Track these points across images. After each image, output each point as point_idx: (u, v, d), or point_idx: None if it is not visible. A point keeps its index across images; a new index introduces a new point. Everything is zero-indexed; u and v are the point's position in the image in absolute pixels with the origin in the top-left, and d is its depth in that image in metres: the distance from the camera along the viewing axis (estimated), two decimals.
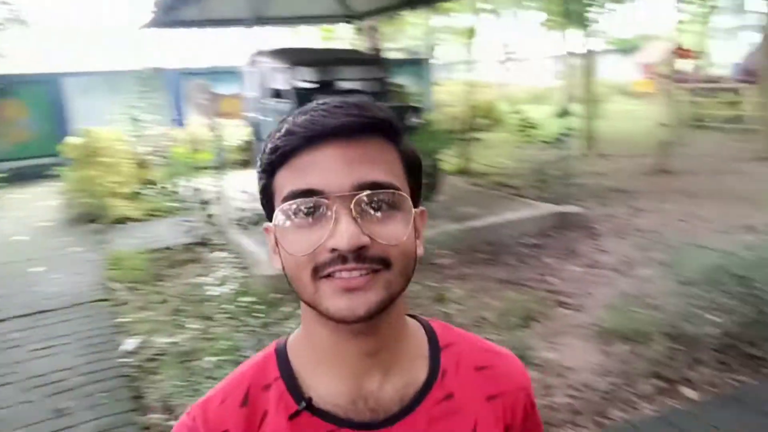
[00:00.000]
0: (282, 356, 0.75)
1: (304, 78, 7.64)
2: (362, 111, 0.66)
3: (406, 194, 0.68)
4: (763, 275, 3.79)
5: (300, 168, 0.66)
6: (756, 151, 10.39)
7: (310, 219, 0.65)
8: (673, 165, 9.55)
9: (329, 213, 0.63)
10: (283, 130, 0.67)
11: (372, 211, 0.64)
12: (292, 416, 0.71)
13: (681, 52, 16.01)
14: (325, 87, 7.63)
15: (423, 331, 0.80)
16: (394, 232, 0.65)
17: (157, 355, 3.78)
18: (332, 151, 0.65)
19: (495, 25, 23.90)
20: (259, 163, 0.71)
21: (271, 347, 0.77)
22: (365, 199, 0.64)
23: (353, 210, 0.63)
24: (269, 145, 0.68)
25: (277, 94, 7.66)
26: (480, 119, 14.43)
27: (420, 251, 0.70)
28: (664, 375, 3.40)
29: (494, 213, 6.32)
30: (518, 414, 0.81)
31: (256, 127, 8.36)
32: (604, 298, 4.60)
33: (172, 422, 2.68)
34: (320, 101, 0.69)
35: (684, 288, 3.98)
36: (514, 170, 8.55)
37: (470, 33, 20.07)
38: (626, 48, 26.20)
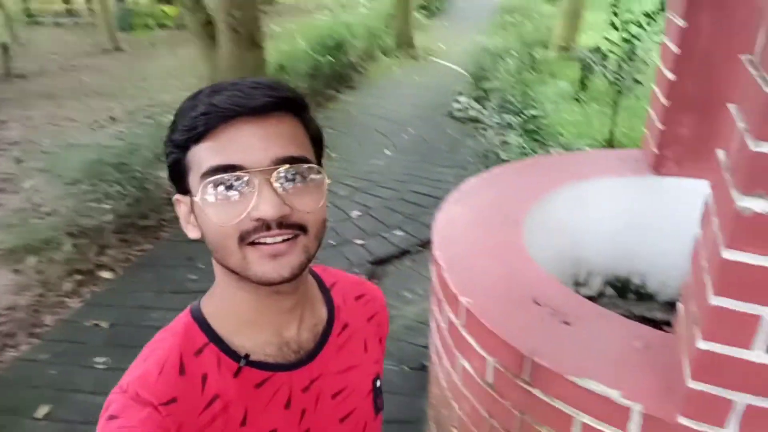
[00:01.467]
0: (203, 323, 0.78)
1: None
2: (275, 91, 0.71)
3: (317, 165, 0.74)
4: (137, 158, 4.39)
5: (219, 145, 0.69)
6: (100, 44, 10.92)
7: (234, 192, 0.68)
8: (23, 68, 9.16)
9: (252, 186, 0.68)
10: (199, 110, 0.69)
11: (290, 183, 0.70)
12: (237, 373, 0.77)
13: None
14: None
15: (310, 276, 0.90)
16: (310, 200, 0.71)
17: None
18: (250, 129, 0.69)
19: None
20: (169, 138, 0.73)
21: (185, 317, 0.80)
22: (284, 172, 0.69)
23: (274, 182, 0.68)
24: (183, 123, 0.70)
25: None
26: None
27: (326, 214, 0.77)
28: (80, 269, 3.68)
29: None
30: (384, 326, 1.03)
31: None
32: None
33: None
34: (231, 81, 0.72)
35: (72, 187, 4.21)
36: None
37: None
38: None
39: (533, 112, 4.07)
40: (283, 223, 0.69)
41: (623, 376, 1.39)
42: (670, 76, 2.41)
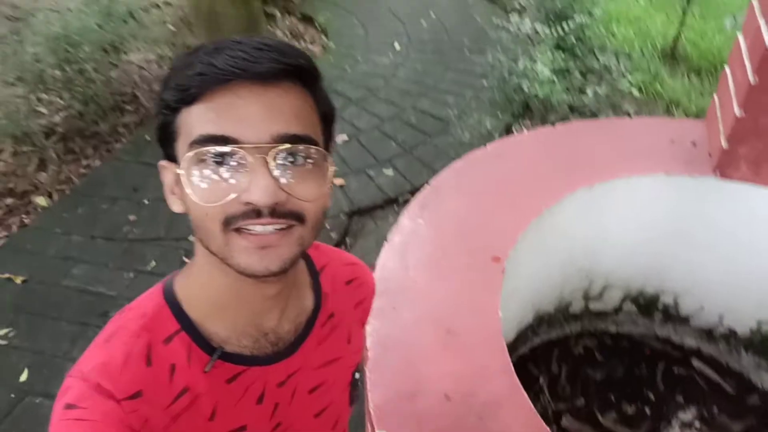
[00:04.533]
0: (175, 306, 0.70)
1: None
2: (285, 56, 0.61)
3: (323, 148, 0.64)
4: (97, 36, 3.65)
5: (213, 111, 0.59)
6: None
7: (223, 168, 0.59)
8: None
9: (245, 164, 0.59)
10: (194, 69, 0.59)
11: (289, 166, 0.60)
12: (208, 366, 0.69)
13: None
14: None
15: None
16: (311, 188, 0.62)
17: None
18: (250, 97, 0.59)
19: None
20: (160, 97, 0.64)
21: (156, 296, 0.71)
22: (284, 152, 0.60)
23: (270, 163, 0.59)
24: (177, 81, 0.61)
25: None
26: None
27: (329, 202, 0.67)
28: (15, 189, 3.17)
29: None
30: (368, 312, 0.93)
31: None
32: None
33: None
34: (234, 39, 0.63)
35: (27, 71, 3.55)
36: None
37: None
38: None
39: (576, 20, 3.14)
40: (276, 211, 0.59)
41: None
42: None
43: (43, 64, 3.51)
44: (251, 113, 0.59)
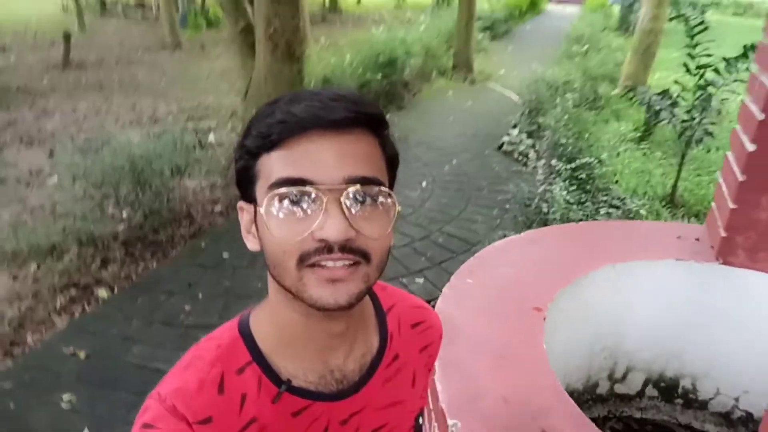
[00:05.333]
0: (249, 339, 0.75)
1: None
2: (357, 106, 0.67)
3: (389, 190, 0.69)
4: (162, 162, 4.18)
5: (291, 156, 0.65)
6: (160, 39, 11.03)
7: (299, 207, 0.64)
8: (82, 56, 9.26)
9: (319, 204, 0.64)
10: (275, 117, 0.66)
11: (359, 205, 0.65)
12: (276, 398, 0.73)
13: None
14: None
15: (367, 296, 0.80)
16: (377, 227, 0.66)
17: None
18: (325, 144, 0.65)
19: None
20: (240, 144, 0.70)
21: (232, 329, 0.77)
22: (355, 193, 0.65)
23: (343, 203, 0.64)
24: (258, 129, 0.67)
25: None
26: None
27: (392, 242, 0.72)
28: (78, 283, 3.47)
29: None
30: (435, 356, 0.93)
31: None
32: (11, 217, 4.26)
33: None
34: (312, 91, 0.69)
35: (93, 190, 4.04)
36: None
37: None
38: None
39: (586, 159, 3.64)
40: (346, 247, 0.65)
41: None
42: (750, 146, 1.97)
43: (118, 179, 4.00)
44: (327, 158, 0.65)
